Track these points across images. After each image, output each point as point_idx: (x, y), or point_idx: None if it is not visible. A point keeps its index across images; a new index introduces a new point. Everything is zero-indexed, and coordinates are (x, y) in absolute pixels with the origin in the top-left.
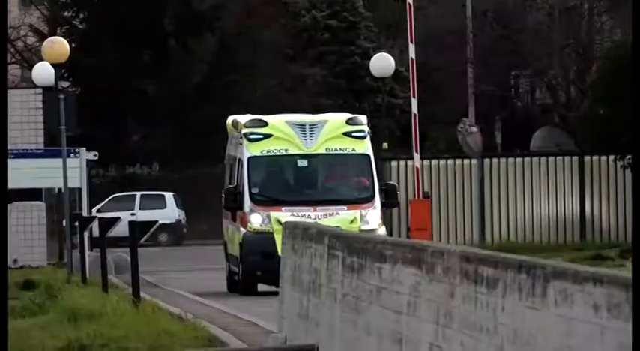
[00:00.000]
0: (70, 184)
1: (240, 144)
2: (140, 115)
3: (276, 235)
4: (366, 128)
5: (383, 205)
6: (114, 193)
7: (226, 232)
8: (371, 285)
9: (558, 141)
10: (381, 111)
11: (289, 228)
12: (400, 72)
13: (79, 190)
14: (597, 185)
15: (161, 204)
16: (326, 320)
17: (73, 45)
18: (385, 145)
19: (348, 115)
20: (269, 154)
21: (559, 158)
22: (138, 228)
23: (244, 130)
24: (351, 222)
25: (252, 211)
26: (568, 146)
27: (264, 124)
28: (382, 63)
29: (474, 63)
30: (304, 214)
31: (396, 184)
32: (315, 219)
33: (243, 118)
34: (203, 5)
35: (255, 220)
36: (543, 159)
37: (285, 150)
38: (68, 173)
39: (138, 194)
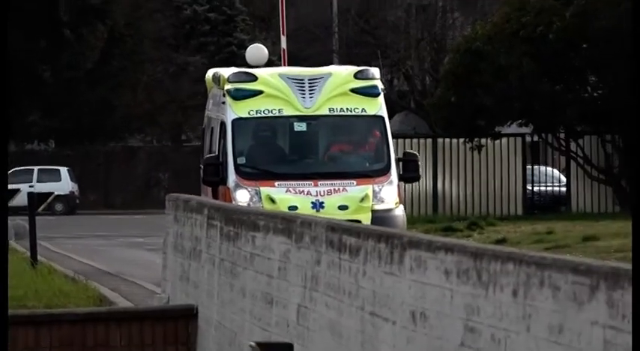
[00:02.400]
0: None
1: (223, 103)
2: (37, 97)
3: None
4: (380, 83)
5: (400, 178)
6: (13, 168)
7: None
8: (245, 252)
9: (414, 124)
10: None
11: (172, 200)
12: (273, 61)
13: None
14: (449, 164)
15: (56, 177)
16: (205, 283)
17: None
18: None
19: (355, 68)
20: (258, 115)
21: (414, 140)
22: (35, 198)
23: (228, 86)
24: (362, 200)
25: (238, 186)
26: (423, 129)
27: (253, 78)
28: (256, 53)
29: (339, 54)
30: (303, 190)
31: (417, 154)
32: (316, 196)
33: (226, 71)
34: None
35: (242, 197)
36: (400, 140)
37: (279, 110)
38: None
39: (35, 168)
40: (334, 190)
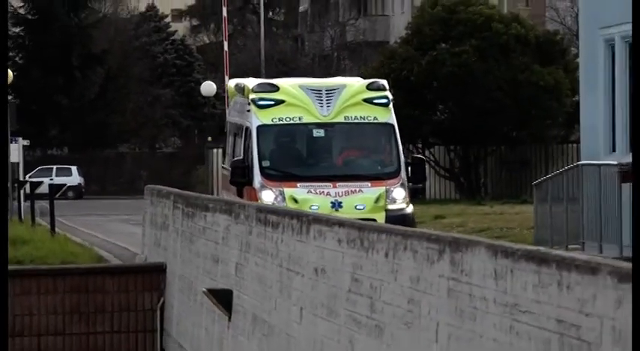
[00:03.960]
0: (11, 160)
1: (248, 111)
2: (56, 118)
3: None
4: (389, 94)
5: (409, 181)
6: (39, 166)
7: None
8: (199, 226)
9: None
10: (207, 118)
11: (149, 189)
12: (219, 93)
13: (17, 163)
14: None
15: (69, 173)
16: (171, 247)
17: (15, 73)
18: (210, 138)
19: (367, 80)
20: (281, 122)
21: None
22: (54, 188)
23: (252, 95)
24: (376, 200)
25: (263, 186)
26: None
27: (276, 88)
28: (208, 87)
29: None
30: (323, 191)
31: (424, 158)
32: (335, 196)
33: (250, 82)
34: (97, 49)
35: (267, 197)
36: None
37: (299, 118)
38: (10, 153)
39: (54, 167)
40: (351, 191)
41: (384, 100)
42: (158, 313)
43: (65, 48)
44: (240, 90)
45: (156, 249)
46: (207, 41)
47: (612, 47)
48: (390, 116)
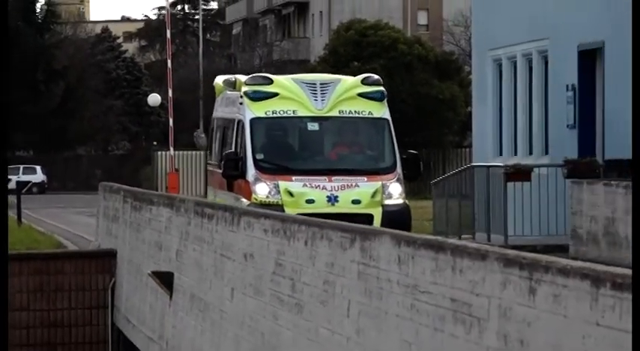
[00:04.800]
0: None
1: (241, 104)
2: (23, 124)
3: (286, 208)
4: (383, 89)
5: (404, 176)
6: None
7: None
8: (145, 217)
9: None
10: (153, 125)
11: (102, 186)
12: (163, 103)
13: None
14: None
15: (34, 172)
16: (121, 235)
17: None
18: (155, 143)
19: (362, 75)
20: (274, 115)
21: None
22: (20, 185)
23: (245, 88)
24: (373, 195)
25: (257, 179)
26: None
27: (269, 81)
28: (153, 99)
29: (204, 100)
30: (319, 185)
31: (418, 153)
32: (331, 190)
33: (241, 76)
34: (59, 65)
35: (262, 191)
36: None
37: (294, 111)
38: None
39: (21, 166)
40: (347, 185)
41: (379, 95)
42: (109, 292)
43: (32, 65)
44: (231, 84)
45: (108, 237)
46: (154, 59)
47: (500, 66)
48: (385, 111)
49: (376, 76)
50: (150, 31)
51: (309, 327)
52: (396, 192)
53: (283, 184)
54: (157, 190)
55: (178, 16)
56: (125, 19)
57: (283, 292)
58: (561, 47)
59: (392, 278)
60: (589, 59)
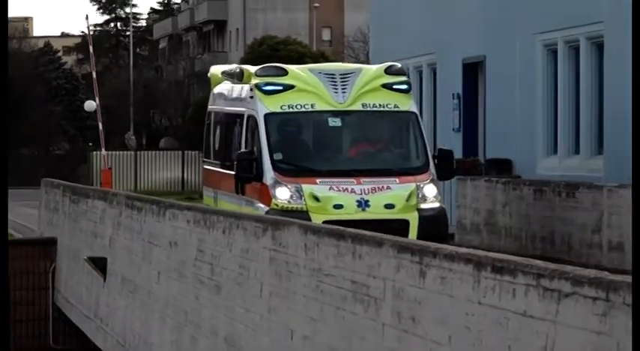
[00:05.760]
0: None
1: (251, 97)
2: None
3: (312, 214)
4: (409, 79)
5: (437, 175)
6: None
7: (220, 206)
8: (82, 209)
9: (173, 145)
10: (89, 128)
11: (44, 181)
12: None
13: None
14: (194, 163)
15: None
16: (61, 225)
17: None
18: (90, 144)
19: (385, 63)
20: (291, 110)
21: (171, 152)
22: None
23: (256, 80)
24: (408, 198)
25: (277, 182)
26: (176, 146)
27: (284, 72)
28: (89, 105)
29: (134, 107)
30: (347, 188)
31: (451, 150)
32: (360, 194)
33: (248, 66)
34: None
35: (283, 195)
36: (164, 153)
37: (312, 105)
38: None
39: None
40: (378, 187)
41: (405, 86)
42: (50, 275)
43: None
44: (236, 75)
45: (49, 227)
46: (89, 70)
47: None
48: (412, 103)
49: (399, 65)
50: (86, 45)
51: (227, 306)
52: (431, 194)
53: (307, 188)
54: (92, 186)
55: (112, 33)
56: (65, 35)
57: (204, 275)
58: (448, 60)
59: (299, 263)
60: (472, 71)
